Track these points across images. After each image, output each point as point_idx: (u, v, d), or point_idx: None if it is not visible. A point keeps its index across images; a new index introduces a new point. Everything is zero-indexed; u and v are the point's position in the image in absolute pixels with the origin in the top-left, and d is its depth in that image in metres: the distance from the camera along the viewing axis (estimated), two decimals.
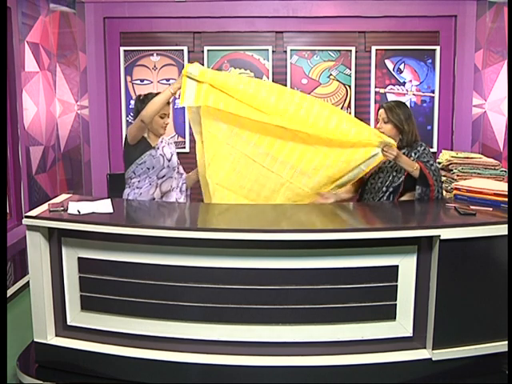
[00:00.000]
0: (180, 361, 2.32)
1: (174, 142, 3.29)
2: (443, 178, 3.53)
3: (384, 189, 2.94)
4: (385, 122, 2.98)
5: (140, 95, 3.10)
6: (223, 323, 2.34)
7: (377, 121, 3.07)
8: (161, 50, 4.70)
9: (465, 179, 3.05)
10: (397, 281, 2.32)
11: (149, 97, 3.03)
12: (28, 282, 2.51)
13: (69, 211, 2.45)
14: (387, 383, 2.32)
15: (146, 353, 2.36)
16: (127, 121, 4.74)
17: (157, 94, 3.00)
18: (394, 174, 2.94)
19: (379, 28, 4.64)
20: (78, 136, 4.74)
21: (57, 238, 2.44)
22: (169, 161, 3.08)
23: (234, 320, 2.33)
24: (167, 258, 2.31)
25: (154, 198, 3.01)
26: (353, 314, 2.33)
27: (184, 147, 4.81)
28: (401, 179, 2.90)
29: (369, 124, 4.72)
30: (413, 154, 2.93)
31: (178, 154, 3.22)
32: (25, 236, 2.41)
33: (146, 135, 3.04)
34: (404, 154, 2.95)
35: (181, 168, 3.21)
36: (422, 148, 2.94)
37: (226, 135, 2.91)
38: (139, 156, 3.00)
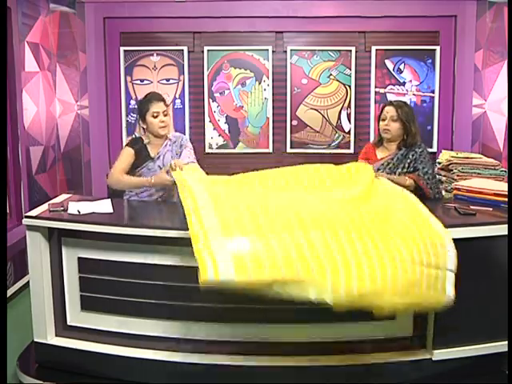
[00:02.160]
0: (180, 361, 2.32)
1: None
2: (443, 178, 3.53)
3: None
4: (393, 120, 2.93)
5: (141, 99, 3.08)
6: (223, 323, 2.34)
7: (378, 119, 3.03)
8: (161, 50, 4.70)
9: (465, 179, 3.05)
10: None
11: (143, 99, 3.00)
12: (28, 281, 2.50)
13: (69, 211, 2.45)
14: (387, 383, 2.32)
15: (146, 353, 2.36)
16: (127, 121, 4.73)
17: (150, 94, 2.97)
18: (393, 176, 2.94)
19: (379, 28, 4.63)
20: (78, 136, 4.74)
21: (57, 238, 2.44)
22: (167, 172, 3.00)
23: (233, 320, 2.33)
24: (167, 257, 2.31)
25: None
26: (353, 314, 2.33)
27: None
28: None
29: (369, 123, 4.74)
30: (410, 156, 2.91)
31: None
32: (25, 236, 2.41)
33: (146, 141, 2.99)
34: (402, 155, 2.94)
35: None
36: (420, 150, 2.92)
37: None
38: (140, 165, 2.96)
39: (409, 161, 2.90)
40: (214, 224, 1.92)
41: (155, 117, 2.93)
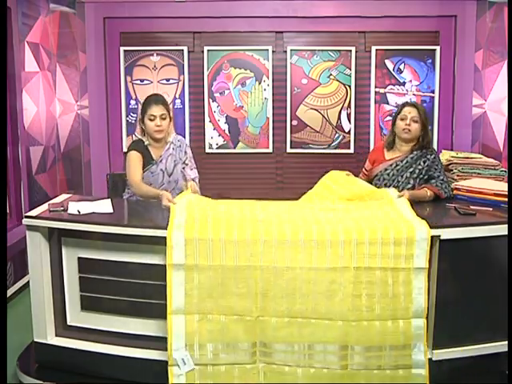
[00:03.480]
0: None
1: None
2: None
3: None
4: (414, 121, 2.92)
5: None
6: None
7: (394, 118, 3.01)
8: (161, 50, 4.70)
9: (465, 179, 3.04)
10: None
11: (144, 101, 2.98)
12: (28, 281, 2.50)
13: (69, 211, 2.45)
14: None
15: (146, 353, 2.36)
16: (127, 121, 4.73)
17: (151, 96, 2.95)
18: (400, 178, 2.93)
19: (379, 28, 4.63)
20: (78, 136, 4.74)
21: (57, 238, 2.44)
22: (169, 175, 2.99)
23: None
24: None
25: None
26: None
27: None
28: (409, 185, 2.88)
29: (369, 123, 4.73)
30: (422, 163, 2.90)
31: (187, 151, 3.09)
32: (25, 236, 2.41)
33: (146, 143, 2.97)
34: (412, 158, 2.93)
35: (180, 178, 3.05)
36: (433, 156, 2.92)
37: None
38: (143, 168, 2.93)
39: (420, 167, 2.89)
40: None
41: (151, 120, 2.89)
